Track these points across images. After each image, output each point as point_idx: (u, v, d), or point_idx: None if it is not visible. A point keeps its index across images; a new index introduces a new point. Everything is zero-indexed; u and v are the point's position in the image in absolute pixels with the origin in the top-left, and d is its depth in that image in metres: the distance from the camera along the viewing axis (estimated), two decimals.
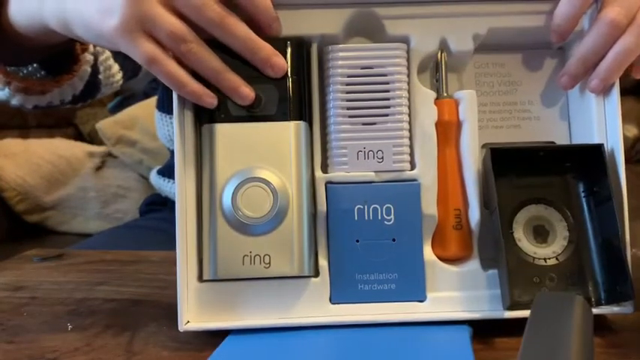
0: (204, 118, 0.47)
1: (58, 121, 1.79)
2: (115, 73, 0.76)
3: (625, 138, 1.69)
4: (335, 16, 0.48)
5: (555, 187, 0.48)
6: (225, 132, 0.47)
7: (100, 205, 1.49)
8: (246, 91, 0.46)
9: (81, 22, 0.48)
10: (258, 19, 0.46)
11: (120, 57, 0.76)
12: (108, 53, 0.73)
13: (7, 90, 0.65)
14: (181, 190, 0.47)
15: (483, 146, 0.51)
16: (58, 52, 0.65)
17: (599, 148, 0.47)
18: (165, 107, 0.92)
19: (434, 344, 0.43)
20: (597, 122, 0.50)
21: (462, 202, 0.49)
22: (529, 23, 0.50)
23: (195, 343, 0.46)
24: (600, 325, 0.47)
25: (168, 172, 0.97)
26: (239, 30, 0.45)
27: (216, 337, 0.45)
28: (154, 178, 1.01)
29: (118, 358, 0.44)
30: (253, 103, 0.46)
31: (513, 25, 0.50)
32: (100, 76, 0.74)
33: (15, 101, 0.67)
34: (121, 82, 0.79)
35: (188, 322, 0.46)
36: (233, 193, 0.46)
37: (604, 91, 0.50)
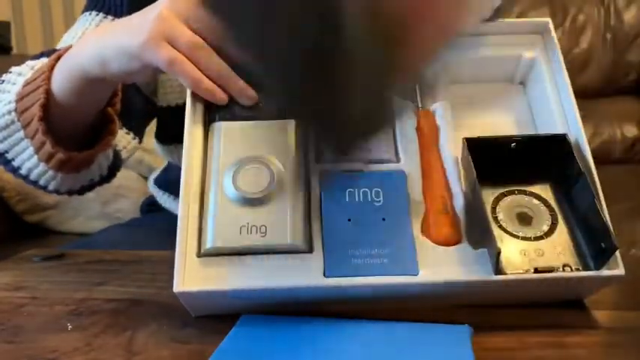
0: (212, 118, 0.53)
1: None
2: (128, 141, 0.80)
3: (625, 138, 1.71)
4: None
5: (531, 175, 0.52)
6: (230, 127, 0.52)
7: (100, 205, 1.49)
8: (252, 93, 0.52)
9: (116, 49, 0.56)
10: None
11: (126, 119, 0.77)
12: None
13: (48, 171, 0.67)
14: (187, 178, 0.50)
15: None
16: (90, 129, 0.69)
17: (564, 136, 0.51)
18: (161, 138, 0.93)
19: (434, 344, 0.43)
20: (558, 116, 0.55)
21: (445, 190, 0.52)
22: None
23: (195, 342, 0.46)
24: (599, 325, 0.47)
25: (165, 185, 0.98)
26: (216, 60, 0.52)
27: (217, 336, 0.45)
28: (152, 187, 1.01)
29: (118, 358, 0.44)
30: (256, 104, 0.52)
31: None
32: (118, 148, 0.77)
33: (52, 185, 0.70)
34: (136, 146, 0.82)
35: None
36: (234, 172, 0.49)
37: None
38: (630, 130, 1.73)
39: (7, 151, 0.69)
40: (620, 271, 0.46)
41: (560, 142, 0.51)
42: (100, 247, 0.80)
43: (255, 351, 0.43)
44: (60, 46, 0.79)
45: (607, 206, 0.47)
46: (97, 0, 0.81)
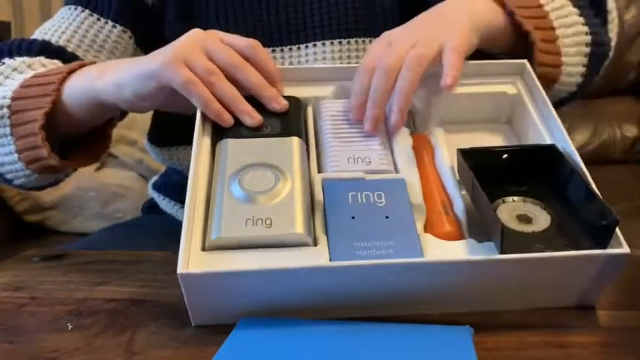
0: (219, 137, 0.57)
1: None
2: None
3: (625, 138, 1.71)
4: (324, 88, 0.63)
5: (525, 182, 0.54)
6: (236, 142, 0.56)
7: (99, 205, 1.49)
8: (257, 116, 0.57)
9: (133, 72, 0.60)
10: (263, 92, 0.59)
11: None
12: None
13: (24, 170, 0.67)
14: (193, 183, 0.51)
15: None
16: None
17: (552, 146, 0.54)
18: (154, 140, 0.93)
19: (436, 345, 0.43)
20: (546, 130, 0.58)
21: (445, 195, 0.54)
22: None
23: (195, 342, 0.46)
24: (598, 324, 0.48)
25: (164, 189, 0.98)
26: (254, 73, 0.59)
27: (217, 336, 0.45)
28: (151, 190, 1.01)
29: (118, 358, 0.44)
30: (260, 126, 0.57)
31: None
32: None
33: (19, 182, 0.70)
34: None
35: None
36: (240, 174, 0.52)
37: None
38: (630, 130, 1.73)
39: None
40: (624, 249, 0.46)
41: (549, 149, 0.54)
42: (101, 247, 0.79)
43: (255, 354, 0.43)
44: (37, 34, 0.78)
45: None
46: None
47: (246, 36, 0.62)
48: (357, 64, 0.61)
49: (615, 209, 0.46)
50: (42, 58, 0.73)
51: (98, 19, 0.79)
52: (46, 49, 0.76)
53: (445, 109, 0.62)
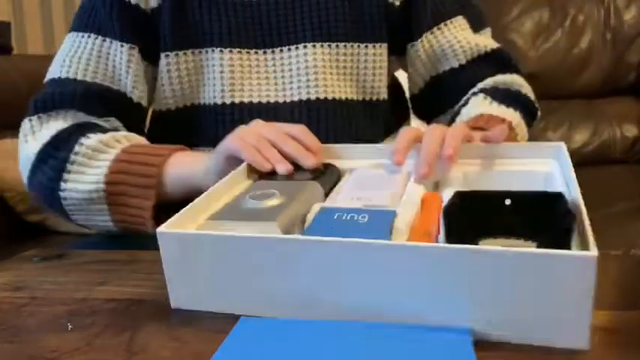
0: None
1: None
2: None
3: (625, 138, 1.71)
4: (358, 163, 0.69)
5: (522, 222, 0.48)
6: (264, 182, 0.64)
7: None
8: (289, 165, 0.65)
9: (216, 154, 0.71)
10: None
11: None
12: None
13: (108, 228, 0.80)
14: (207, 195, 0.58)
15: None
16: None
17: (560, 194, 0.49)
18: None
19: (435, 345, 0.43)
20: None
21: (434, 226, 0.52)
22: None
23: (195, 342, 0.46)
24: (599, 325, 0.47)
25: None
26: (293, 143, 0.68)
27: (217, 336, 0.45)
28: None
29: (118, 358, 0.44)
30: (291, 175, 0.65)
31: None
32: None
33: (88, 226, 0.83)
34: None
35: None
36: (252, 191, 0.58)
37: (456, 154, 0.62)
38: (630, 130, 1.73)
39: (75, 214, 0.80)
40: (593, 252, 0.42)
41: (556, 198, 0.49)
42: (101, 247, 0.80)
43: (254, 354, 0.43)
44: (54, 68, 0.87)
45: (607, 206, 0.47)
46: (88, 23, 0.86)
47: (239, 38, 0.80)
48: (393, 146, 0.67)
49: (615, 209, 0.44)
50: (115, 134, 0.80)
51: (110, 42, 0.85)
52: (89, 95, 0.84)
53: (475, 185, 0.62)
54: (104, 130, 0.81)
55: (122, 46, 0.85)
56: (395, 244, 0.47)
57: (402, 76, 1.04)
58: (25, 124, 0.85)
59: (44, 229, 1.49)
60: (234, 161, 0.68)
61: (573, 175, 0.55)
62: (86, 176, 0.77)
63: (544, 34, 1.77)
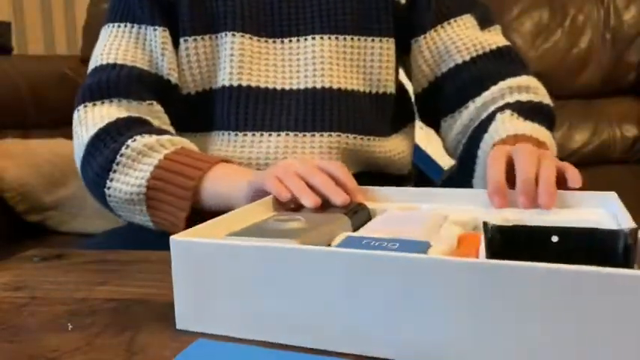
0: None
1: (58, 121, 1.79)
2: None
3: (625, 138, 1.71)
4: (389, 206, 0.65)
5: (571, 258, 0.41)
6: (290, 213, 0.62)
7: (100, 205, 1.49)
8: (317, 198, 0.63)
9: (248, 192, 0.71)
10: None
11: None
12: None
13: (150, 223, 0.82)
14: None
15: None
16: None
17: (620, 232, 0.43)
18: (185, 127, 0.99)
19: None
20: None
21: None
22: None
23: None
24: None
25: None
26: (322, 177, 0.65)
27: (217, 337, 0.45)
28: None
29: (118, 358, 0.44)
30: (319, 209, 0.62)
31: None
32: None
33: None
34: None
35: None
36: (277, 215, 0.58)
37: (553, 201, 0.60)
38: (630, 130, 1.73)
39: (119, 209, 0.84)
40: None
41: (612, 235, 0.43)
42: (101, 247, 0.80)
43: None
44: (95, 58, 0.91)
45: None
46: (122, 13, 0.91)
47: (251, 25, 0.84)
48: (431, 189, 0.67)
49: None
50: (160, 138, 0.81)
51: (145, 28, 0.90)
52: (140, 82, 0.88)
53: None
54: (150, 131, 0.83)
55: (155, 30, 0.89)
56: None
57: (406, 79, 1.04)
58: (74, 115, 0.88)
59: (44, 229, 1.50)
60: (263, 194, 0.67)
61: (631, 220, 0.51)
62: (129, 178, 0.80)
63: (544, 34, 1.77)
